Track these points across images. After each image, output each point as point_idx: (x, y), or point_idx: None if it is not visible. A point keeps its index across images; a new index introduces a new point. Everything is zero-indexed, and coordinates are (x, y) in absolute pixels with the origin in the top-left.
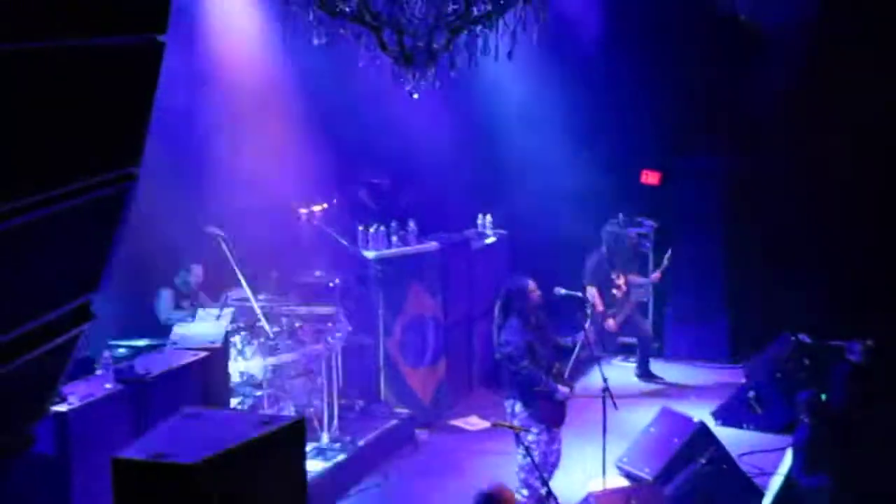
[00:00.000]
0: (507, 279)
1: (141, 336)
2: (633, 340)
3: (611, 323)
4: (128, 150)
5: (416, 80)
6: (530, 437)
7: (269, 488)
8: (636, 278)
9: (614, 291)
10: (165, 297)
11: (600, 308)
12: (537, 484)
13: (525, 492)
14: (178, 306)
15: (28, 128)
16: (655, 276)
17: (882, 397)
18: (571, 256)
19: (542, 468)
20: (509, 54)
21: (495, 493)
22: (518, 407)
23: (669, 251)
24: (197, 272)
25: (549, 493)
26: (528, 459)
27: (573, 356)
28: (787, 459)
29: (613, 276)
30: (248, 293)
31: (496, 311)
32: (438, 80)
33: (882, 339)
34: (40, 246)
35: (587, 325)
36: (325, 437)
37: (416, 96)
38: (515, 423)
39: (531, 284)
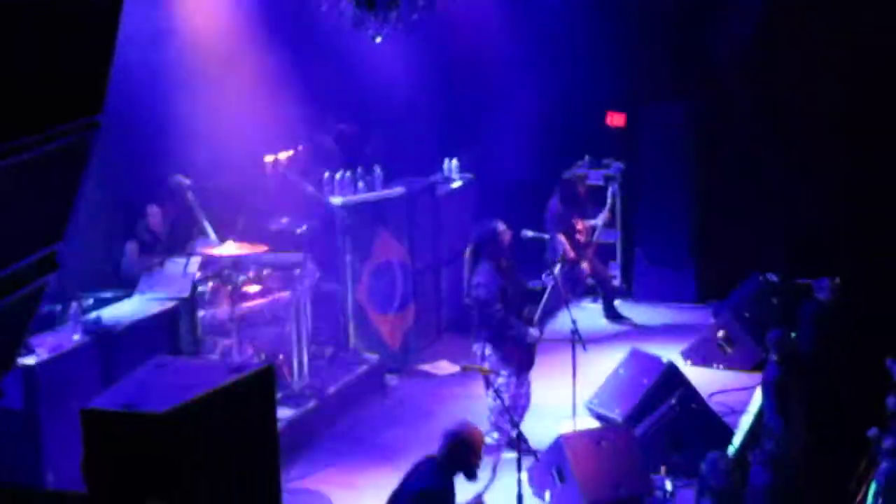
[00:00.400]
0: (477, 223)
1: (109, 287)
2: (594, 283)
3: (585, 266)
4: (90, 98)
5: (379, 23)
6: (500, 381)
7: (239, 436)
8: (589, 222)
9: (577, 236)
10: (131, 250)
11: (572, 255)
12: (508, 427)
13: (495, 434)
14: (144, 255)
15: None
16: (604, 215)
17: (851, 334)
18: (538, 199)
19: (513, 411)
20: None
21: (462, 430)
22: (487, 350)
23: (611, 189)
24: (153, 212)
25: (520, 435)
26: (499, 402)
27: (543, 300)
28: (757, 398)
29: (573, 221)
30: (215, 241)
31: (467, 255)
32: (401, 24)
33: (850, 276)
34: (5, 196)
35: (556, 270)
36: (294, 385)
37: (378, 40)
38: (485, 366)
39: (501, 227)
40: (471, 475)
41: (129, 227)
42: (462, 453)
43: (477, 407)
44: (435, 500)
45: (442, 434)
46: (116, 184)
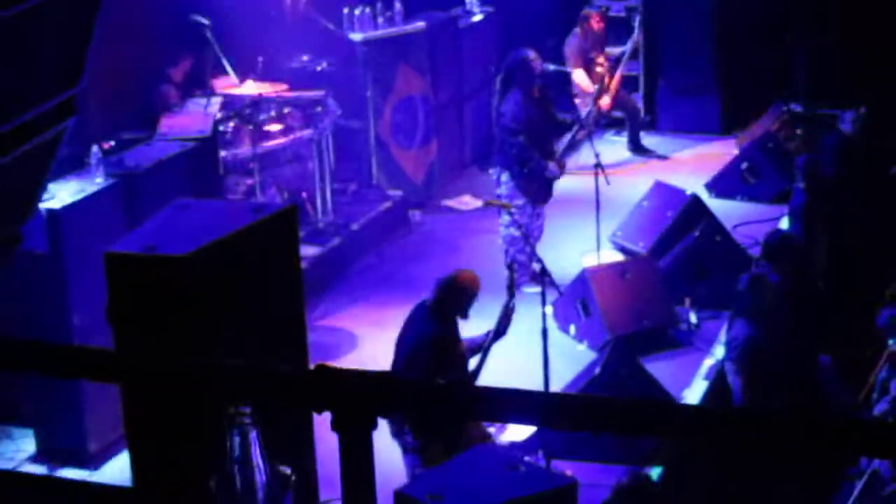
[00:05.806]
0: (508, 52)
1: (129, 130)
2: (622, 115)
3: (606, 101)
4: None
5: None
6: (513, 210)
7: (263, 276)
8: (613, 50)
9: (598, 69)
10: (166, 92)
11: (590, 90)
12: (526, 260)
13: (513, 267)
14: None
15: None
16: (629, 46)
17: (873, 165)
18: (559, 33)
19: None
20: None
21: (455, 274)
22: (504, 176)
23: (634, 19)
24: (183, 66)
25: (544, 269)
26: (514, 231)
27: (570, 135)
28: (784, 226)
29: (593, 55)
30: (235, 80)
31: (497, 83)
32: None
33: (875, 106)
34: (20, 42)
35: (587, 106)
36: (318, 222)
37: None
38: (502, 189)
39: (532, 54)
40: (464, 315)
41: (153, 71)
42: (455, 296)
43: (501, 241)
44: (434, 346)
45: (435, 281)
46: (137, 28)
